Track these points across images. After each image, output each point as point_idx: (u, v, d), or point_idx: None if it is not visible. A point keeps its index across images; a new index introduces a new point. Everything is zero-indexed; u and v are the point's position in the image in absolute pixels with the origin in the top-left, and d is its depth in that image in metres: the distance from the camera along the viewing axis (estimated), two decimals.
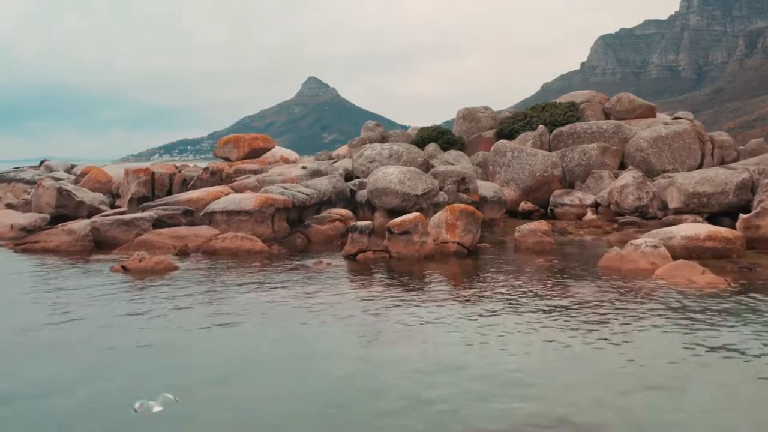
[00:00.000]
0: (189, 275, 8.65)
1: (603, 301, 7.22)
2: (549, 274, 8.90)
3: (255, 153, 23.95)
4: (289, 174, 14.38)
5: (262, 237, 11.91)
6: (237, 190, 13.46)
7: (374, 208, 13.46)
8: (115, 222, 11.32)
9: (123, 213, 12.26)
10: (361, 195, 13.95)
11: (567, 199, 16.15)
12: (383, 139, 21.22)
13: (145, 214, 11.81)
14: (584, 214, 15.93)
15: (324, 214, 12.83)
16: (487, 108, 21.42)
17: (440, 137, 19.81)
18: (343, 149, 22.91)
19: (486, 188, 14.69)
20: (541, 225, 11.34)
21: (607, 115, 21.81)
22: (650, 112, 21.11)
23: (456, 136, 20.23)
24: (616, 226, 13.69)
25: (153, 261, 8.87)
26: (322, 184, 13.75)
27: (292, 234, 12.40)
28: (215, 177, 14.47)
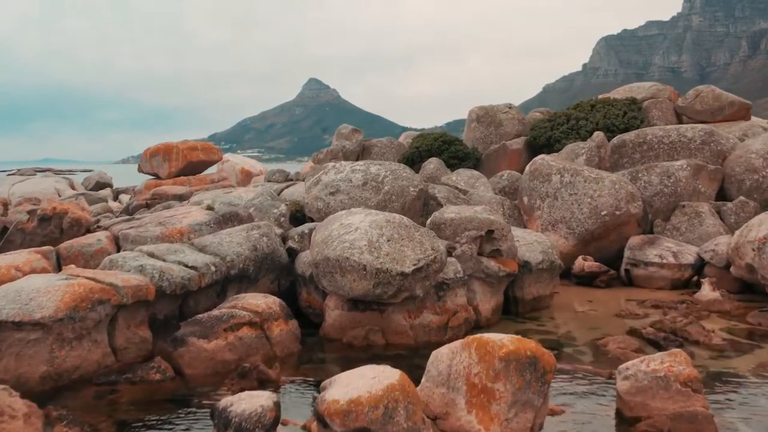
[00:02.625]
0: None
1: None
2: None
3: (193, 167, 17.72)
4: (178, 223, 8.06)
5: (77, 372, 5.68)
6: (67, 258, 7.17)
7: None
8: None
9: None
10: (306, 260, 7.67)
11: (653, 254, 9.89)
12: (364, 151, 14.95)
13: None
14: (683, 279, 9.71)
15: (223, 309, 6.53)
16: (510, 106, 15.12)
17: (445, 149, 13.55)
18: (308, 166, 16.66)
19: (529, 245, 8.36)
20: (677, 359, 5.00)
21: (679, 117, 15.58)
22: (744, 113, 14.87)
23: (468, 148, 13.97)
24: None
25: None
26: (232, 243, 7.46)
27: (154, 357, 6.14)
28: (47, 227, 8.10)
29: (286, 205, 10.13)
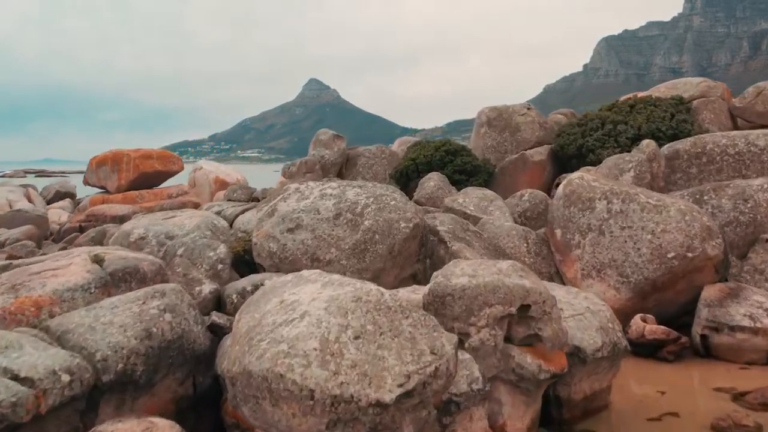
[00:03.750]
0: None
1: None
2: None
3: (148, 179, 14.89)
4: (38, 288, 5.20)
5: None
6: None
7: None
8: None
9: None
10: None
11: (740, 314, 7.06)
12: (348, 162, 12.15)
13: None
14: None
15: None
16: (529, 107, 12.26)
17: (449, 161, 10.75)
18: (280, 182, 13.80)
19: (578, 317, 5.53)
20: None
21: (734, 119, 12.79)
22: None
23: (478, 159, 11.14)
24: None
25: None
26: (111, 326, 4.64)
27: None
28: None
29: (228, 245, 7.31)
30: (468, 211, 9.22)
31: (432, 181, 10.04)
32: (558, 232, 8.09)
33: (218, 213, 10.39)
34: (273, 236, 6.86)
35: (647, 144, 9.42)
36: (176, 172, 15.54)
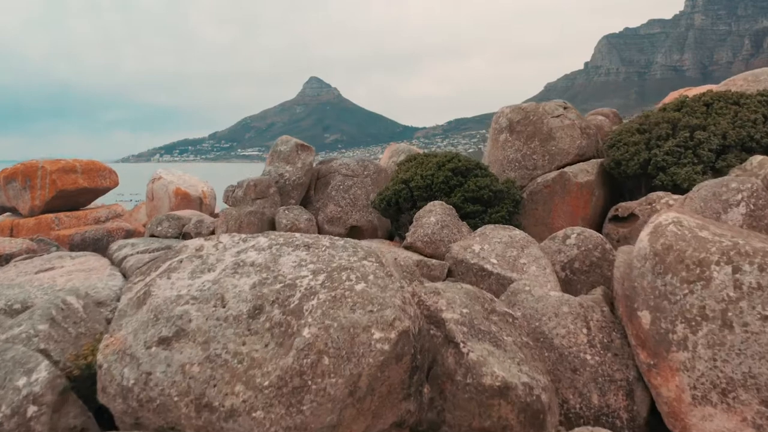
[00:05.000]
0: None
1: None
2: None
3: (70, 198, 11.59)
4: None
5: None
6: None
7: None
8: None
9: None
10: None
11: None
12: (318, 181, 8.89)
13: None
14: None
15: None
16: (566, 105, 8.95)
17: (458, 184, 7.47)
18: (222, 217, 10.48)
19: None
20: None
21: None
22: None
23: (499, 182, 7.85)
24: None
25: None
26: None
27: None
28: None
29: (74, 351, 4.08)
30: (488, 266, 6.02)
31: (433, 216, 6.80)
32: (645, 316, 4.83)
33: (122, 260, 7.19)
34: (131, 354, 3.61)
35: (761, 163, 6.16)
36: (108, 188, 12.31)
